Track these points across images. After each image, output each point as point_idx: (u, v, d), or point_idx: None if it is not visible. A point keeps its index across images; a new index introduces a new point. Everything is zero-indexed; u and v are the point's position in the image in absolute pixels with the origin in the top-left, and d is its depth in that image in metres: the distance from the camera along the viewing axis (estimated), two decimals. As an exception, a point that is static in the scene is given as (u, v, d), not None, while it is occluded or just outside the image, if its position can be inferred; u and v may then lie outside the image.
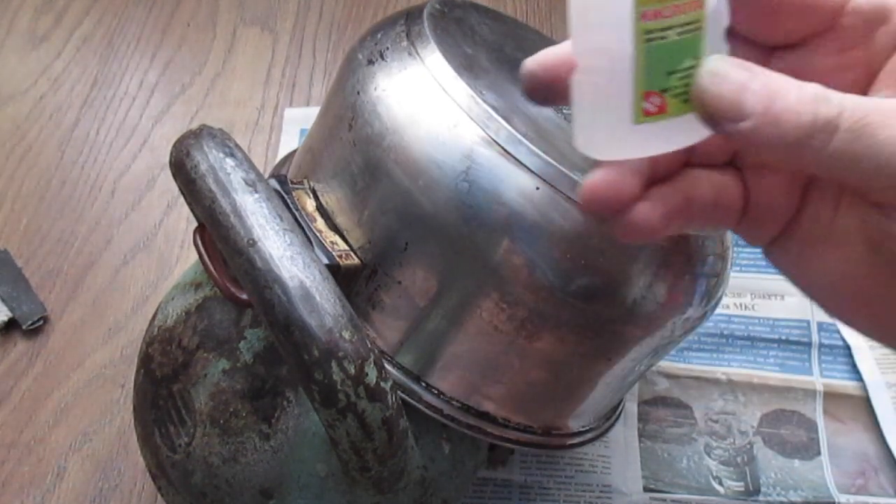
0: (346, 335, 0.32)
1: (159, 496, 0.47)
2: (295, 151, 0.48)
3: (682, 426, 0.57)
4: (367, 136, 0.38)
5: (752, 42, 0.27)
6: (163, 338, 0.44)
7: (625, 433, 0.56)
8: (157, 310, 0.46)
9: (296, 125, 0.73)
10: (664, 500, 0.53)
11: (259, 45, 0.80)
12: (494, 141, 0.35)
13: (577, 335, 0.38)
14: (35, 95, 0.75)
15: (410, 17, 0.41)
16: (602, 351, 0.40)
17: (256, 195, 0.35)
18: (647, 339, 0.39)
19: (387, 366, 0.35)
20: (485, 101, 0.37)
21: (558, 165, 0.34)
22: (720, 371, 0.60)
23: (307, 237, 0.36)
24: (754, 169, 0.28)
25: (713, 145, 0.27)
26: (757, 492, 0.54)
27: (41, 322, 0.60)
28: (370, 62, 0.40)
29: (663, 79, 0.23)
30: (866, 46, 0.26)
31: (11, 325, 0.59)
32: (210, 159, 0.36)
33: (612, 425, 0.49)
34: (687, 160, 0.27)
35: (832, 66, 0.26)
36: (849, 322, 0.29)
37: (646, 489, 0.54)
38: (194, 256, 0.41)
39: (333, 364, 0.32)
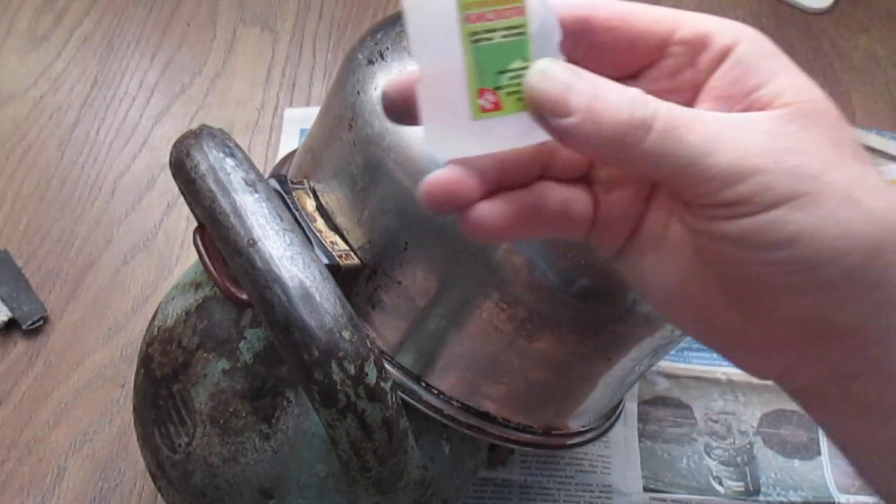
0: (346, 335, 0.32)
1: (159, 496, 0.47)
2: (295, 151, 0.48)
3: (682, 426, 0.57)
4: (367, 136, 0.38)
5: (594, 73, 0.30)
6: (163, 338, 0.44)
7: (625, 433, 0.56)
8: (157, 310, 0.46)
9: (296, 125, 0.73)
10: (664, 500, 0.53)
11: (259, 45, 0.80)
12: (494, 141, 0.35)
13: (577, 335, 0.38)
14: (35, 95, 0.75)
15: (410, 17, 0.41)
16: (602, 351, 0.40)
17: (256, 195, 0.35)
18: (647, 338, 0.39)
19: (387, 366, 0.35)
20: (485, 101, 0.36)
21: (558, 165, 0.34)
22: (720, 371, 0.60)
23: (307, 237, 0.36)
24: (603, 184, 0.30)
25: (567, 162, 0.29)
26: (757, 492, 0.54)
27: (41, 322, 0.60)
28: (370, 62, 0.40)
29: (495, 77, 0.26)
30: (692, 70, 0.28)
31: (11, 325, 0.59)
32: (210, 159, 0.36)
33: (612, 425, 0.49)
34: (542, 174, 0.29)
35: (665, 90, 0.28)
36: (683, 327, 0.31)
37: (646, 489, 0.54)
38: (194, 256, 0.41)
39: (333, 364, 0.32)
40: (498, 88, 0.26)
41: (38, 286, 0.62)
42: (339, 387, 0.32)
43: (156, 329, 0.45)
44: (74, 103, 0.74)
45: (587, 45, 0.28)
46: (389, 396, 0.34)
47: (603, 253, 0.31)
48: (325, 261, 0.37)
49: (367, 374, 0.33)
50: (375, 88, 0.38)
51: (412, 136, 0.36)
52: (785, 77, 0.27)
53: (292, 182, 0.41)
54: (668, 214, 0.29)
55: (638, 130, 0.25)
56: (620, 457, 0.55)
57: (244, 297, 0.36)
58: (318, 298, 0.32)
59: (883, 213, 0.25)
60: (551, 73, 0.26)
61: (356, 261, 0.38)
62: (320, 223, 0.39)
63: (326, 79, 0.77)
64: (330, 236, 0.39)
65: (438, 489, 0.42)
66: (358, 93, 0.39)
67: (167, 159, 0.38)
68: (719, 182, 0.25)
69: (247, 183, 0.35)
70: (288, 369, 0.40)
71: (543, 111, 0.25)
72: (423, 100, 0.26)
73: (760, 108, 0.27)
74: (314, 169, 0.41)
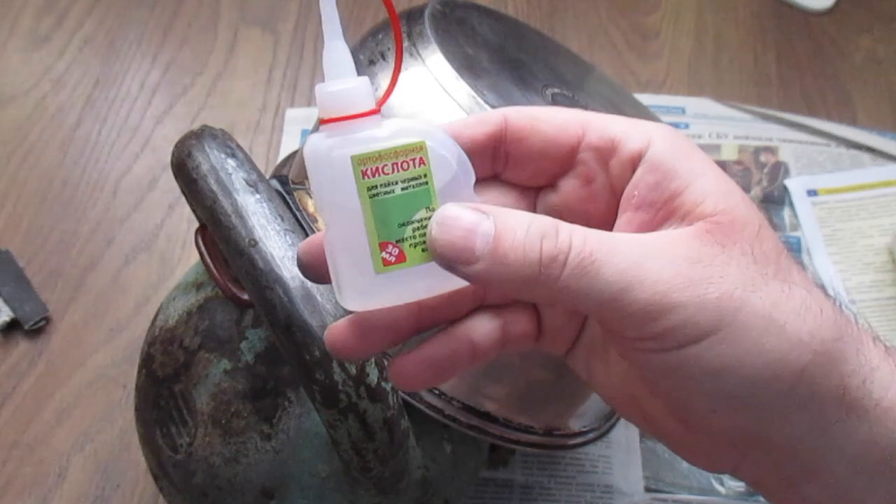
0: (348, 335, 0.32)
1: (161, 496, 0.47)
2: (296, 152, 0.48)
3: (684, 426, 0.57)
4: (369, 137, 0.38)
5: (519, 186, 0.29)
6: (164, 338, 0.44)
7: (626, 433, 0.56)
8: (159, 310, 0.46)
9: (297, 126, 0.73)
10: (665, 500, 0.53)
11: (260, 46, 0.80)
12: (495, 141, 0.35)
13: (578, 335, 0.38)
14: (37, 96, 0.75)
15: (412, 18, 0.41)
16: (603, 351, 0.40)
17: (258, 196, 0.35)
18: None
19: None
20: (486, 101, 0.37)
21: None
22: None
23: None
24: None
25: None
26: (758, 492, 0.54)
27: (43, 322, 0.60)
28: (371, 62, 0.40)
29: (397, 230, 0.25)
30: (606, 176, 0.28)
31: (13, 325, 0.59)
32: (211, 160, 0.36)
33: (614, 425, 0.49)
34: (482, 302, 0.29)
35: (583, 197, 0.28)
36: (633, 423, 0.31)
37: (647, 489, 0.54)
38: (196, 257, 0.41)
39: (334, 364, 0.32)
40: (401, 241, 0.25)
41: (40, 286, 0.62)
42: (340, 387, 0.32)
43: (157, 329, 0.45)
44: (76, 104, 0.74)
45: (503, 160, 0.28)
46: (391, 397, 0.34)
47: (554, 354, 0.31)
48: (327, 261, 0.37)
49: (368, 375, 0.33)
50: (377, 89, 0.38)
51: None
52: (704, 180, 0.26)
53: (294, 182, 0.41)
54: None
55: (550, 269, 0.24)
56: (622, 457, 0.55)
57: (245, 297, 0.36)
58: (319, 299, 0.32)
59: (808, 336, 0.25)
60: (452, 221, 0.24)
61: (357, 261, 0.38)
62: (322, 223, 0.39)
63: (328, 79, 0.77)
64: (331, 237, 0.39)
65: (440, 489, 0.42)
66: (359, 93, 0.39)
67: (169, 160, 0.38)
68: (640, 318, 0.24)
69: (248, 183, 0.35)
70: (289, 370, 0.40)
71: (449, 261, 0.24)
72: (330, 255, 0.26)
73: (682, 217, 0.26)
74: (315, 169, 0.41)
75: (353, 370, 0.32)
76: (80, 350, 0.59)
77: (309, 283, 0.32)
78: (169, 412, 0.42)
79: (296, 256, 0.28)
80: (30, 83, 0.76)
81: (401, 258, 0.25)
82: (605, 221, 0.28)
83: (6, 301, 0.60)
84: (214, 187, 0.35)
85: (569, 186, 0.28)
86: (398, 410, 0.34)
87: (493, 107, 0.36)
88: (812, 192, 0.68)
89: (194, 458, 0.41)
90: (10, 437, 0.55)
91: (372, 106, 0.26)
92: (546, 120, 0.28)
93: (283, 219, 0.34)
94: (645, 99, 0.66)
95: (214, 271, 0.38)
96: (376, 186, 0.25)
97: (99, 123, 0.73)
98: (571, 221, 0.25)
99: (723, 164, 0.70)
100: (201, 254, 0.39)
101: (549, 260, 0.24)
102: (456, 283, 0.26)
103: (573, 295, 0.24)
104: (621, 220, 0.27)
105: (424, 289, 0.26)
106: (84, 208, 0.67)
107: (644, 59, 0.80)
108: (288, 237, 0.34)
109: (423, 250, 0.25)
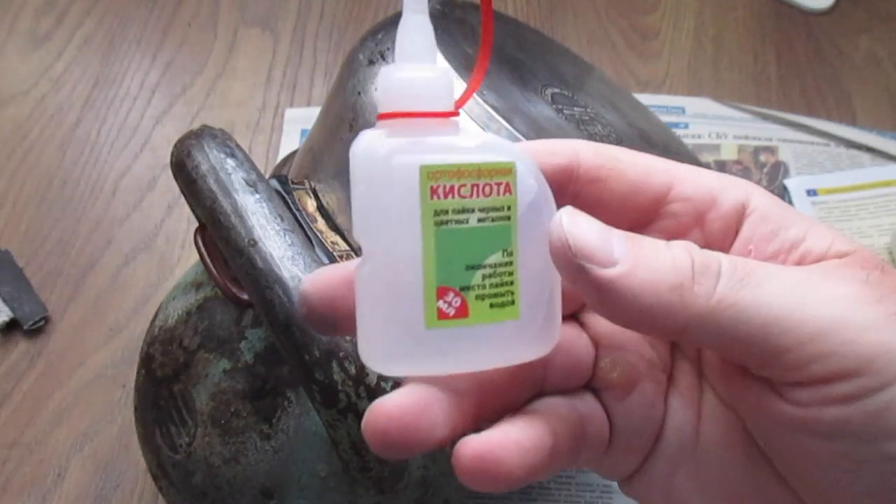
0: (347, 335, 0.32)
1: (160, 496, 0.47)
2: (296, 152, 0.48)
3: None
4: (368, 137, 0.37)
5: None
6: (164, 338, 0.44)
7: (625, 433, 0.56)
8: (158, 310, 0.46)
9: (296, 125, 0.73)
10: (665, 500, 0.53)
11: (260, 46, 0.80)
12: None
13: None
14: (36, 96, 0.75)
15: (411, 18, 0.41)
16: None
17: (257, 195, 0.35)
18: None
19: (387, 366, 0.35)
20: (485, 102, 0.37)
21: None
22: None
23: (308, 237, 0.36)
24: (615, 389, 0.24)
25: (565, 368, 0.24)
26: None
27: (42, 322, 0.60)
28: (371, 62, 0.40)
29: (463, 273, 0.19)
30: (700, 231, 0.24)
31: (13, 325, 0.59)
32: (211, 160, 0.36)
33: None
34: (541, 388, 0.24)
35: None
36: None
37: (647, 489, 0.54)
38: (195, 256, 0.41)
39: (334, 364, 0.32)
40: (466, 289, 0.19)
41: (40, 286, 0.62)
42: (339, 387, 0.32)
43: (157, 329, 0.45)
44: (76, 104, 0.74)
45: (567, 200, 0.23)
46: (390, 396, 0.34)
47: (615, 477, 0.25)
48: (326, 261, 0.37)
49: (367, 374, 0.33)
50: (376, 89, 0.38)
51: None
52: (819, 226, 0.23)
53: (293, 182, 0.41)
54: (697, 410, 0.24)
55: (704, 276, 0.20)
56: (621, 457, 0.55)
57: (245, 297, 0.36)
58: (318, 298, 0.32)
59: None
60: (582, 216, 0.20)
61: (357, 261, 0.38)
62: (321, 223, 0.39)
63: (327, 79, 0.77)
64: (331, 236, 0.39)
65: (439, 489, 0.42)
66: (359, 93, 0.39)
67: (168, 160, 0.38)
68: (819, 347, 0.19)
69: (248, 183, 0.35)
70: (289, 369, 0.40)
71: (579, 257, 0.19)
72: (362, 296, 0.19)
73: (815, 261, 0.22)
74: (315, 169, 0.41)
75: (352, 370, 0.32)
76: (80, 350, 0.59)
77: (308, 283, 0.32)
78: (168, 412, 0.42)
79: (299, 293, 0.22)
80: (29, 83, 0.76)
81: (462, 312, 0.19)
82: None
83: (5, 301, 0.60)
84: (214, 187, 0.35)
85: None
86: (398, 410, 0.34)
87: (493, 107, 0.36)
88: (812, 192, 0.68)
89: (194, 458, 0.41)
90: (9, 437, 0.55)
91: (451, 106, 0.20)
92: (629, 162, 0.24)
93: (282, 218, 0.34)
94: (644, 99, 0.66)
95: (214, 271, 0.38)
96: (447, 212, 0.19)
97: (98, 123, 0.73)
98: None
99: (722, 164, 0.70)
100: (201, 254, 0.39)
101: (703, 267, 0.20)
102: (529, 354, 0.20)
103: (727, 317, 0.20)
104: None
105: (486, 358, 0.20)
106: (83, 208, 0.67)
107: (644, 59, 0.80)
108: (287, 237, 0.34)
109: (491, 306, 0.20)
